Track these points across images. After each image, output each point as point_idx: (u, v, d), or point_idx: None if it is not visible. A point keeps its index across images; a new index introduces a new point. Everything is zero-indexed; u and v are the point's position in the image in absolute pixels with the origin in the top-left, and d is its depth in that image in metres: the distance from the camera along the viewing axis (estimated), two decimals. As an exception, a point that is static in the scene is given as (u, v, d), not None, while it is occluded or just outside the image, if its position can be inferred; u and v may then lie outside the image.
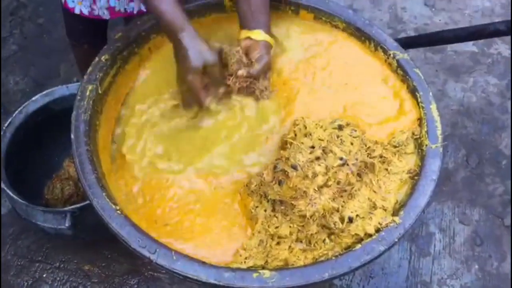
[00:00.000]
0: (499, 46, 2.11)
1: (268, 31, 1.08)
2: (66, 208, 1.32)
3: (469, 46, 2.10)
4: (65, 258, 1.57)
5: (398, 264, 1.57)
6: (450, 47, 2.08)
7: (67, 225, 1.30)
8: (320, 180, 0.93)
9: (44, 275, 1.55)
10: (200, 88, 0.99)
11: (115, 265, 1.56)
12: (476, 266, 1.56)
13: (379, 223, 0.94)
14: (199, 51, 0.97)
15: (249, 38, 1.07)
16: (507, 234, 1.63)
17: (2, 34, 2.08)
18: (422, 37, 1.73)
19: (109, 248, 1.58)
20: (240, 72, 1.03)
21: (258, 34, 1.07)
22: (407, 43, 1.76)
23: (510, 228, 1.63)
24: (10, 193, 1.33)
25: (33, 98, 1.49)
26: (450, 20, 2.19)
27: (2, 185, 1.35)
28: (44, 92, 1.50)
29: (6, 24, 2.12)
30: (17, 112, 1.47)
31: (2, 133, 1.43)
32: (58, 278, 1.54)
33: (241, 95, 1.06)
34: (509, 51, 2.09)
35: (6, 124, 1.45)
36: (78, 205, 1.32)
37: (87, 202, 1.34)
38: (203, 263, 0.87)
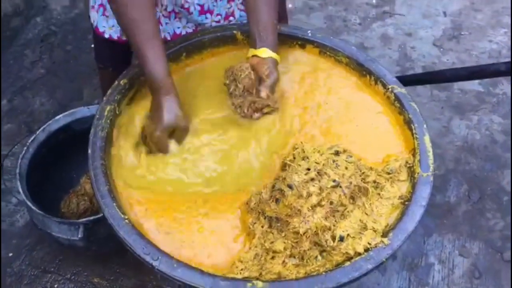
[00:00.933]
0: (504, 86, 2.18)
1: (275, 50, 1.17)
2: (80, 220, 1.41)
3: (475, 86, 2.17)
4: (76, 270, 1.65)
5: (397, 292, 1.61)
6: (457, 86, 2.15)
7: (80, 236, 1.38)
8: (314, 199, 0.99)
9: (56, 286, 1.62)
10: (165, 143, 1.08)
11: (123, 279, 1.63)
12: (474, 299, 1.59)
13: (368, 243, 0.99)
14: (175, 115, 1.07)
15: (256, 56, 1.15)
16: (506, 269, 1.65)
17: (32, 58, 2.23)
18: (426, 75, 1.81)
19: (118, 263, 1.65)
20: (263, 94, 1.12)
21: (264, 52, 1.15)
22: (411, 80, 1.84)
23: (510, 263, 1.65)
24: (29, 203, 1.42)
25: (56, 118, 1.60)
26: (457, 60, 2.27)
27: (23, 197, 1.44)
28: (66, 112, 1.61)
29: (37, 49, 2.27)
30: (40, 130, 1.57)
31: (25, 149, 1.54)
32: (68, 290, 1.62)
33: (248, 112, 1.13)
34: (514, 92, 2.16)
35: (29, 141, 1.56)
36: (91, 218, 1.40)
37: (100, 215, 1.44)
38: (202, 271, 0.94)
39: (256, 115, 1.13)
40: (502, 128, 2.02)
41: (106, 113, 1.15)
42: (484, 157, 1.93)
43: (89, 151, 1.10)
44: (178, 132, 1.11)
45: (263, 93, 1.13)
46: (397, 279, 1.63)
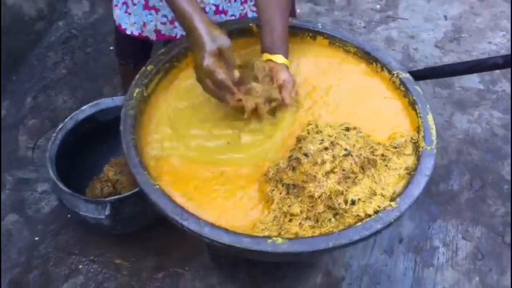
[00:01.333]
0: (503, 84, 2.28)
1: (287, 57, 1.26)
2: (106, 199, 1.51)
3: (475, 84, 2.28)
4: (99, 252, 1.74)
5: (404, 273, 1.69)
6: (458, 84, 2.27)
7: (106, 213, 1.48)
8: (328, 166, 1.09)
9: (80, 267, 1.71)
10: (221, 68, 1.08)
11: (143, 261, 1.72)
12: (477, 278, 1.67)
13: (378, 206, 1.08)
14: (213, 36, 1.08)
15: (271, 60, 1.23)
16: (508, 251, 1.74)
17: (54, 60, 2.36)
18: (427, 71, 1.92)
19: (139, 246, 1.75)
20: (287, 100, 1.21)
21: (279, 58, 1.23)
22: (413, 76, 1.95)
23: (511, 245, 1.74)
24: (59, 183, 1.52)
25: (82, 108, 1.71)
26: (458, 60, 2.38)
27: (52, 178, 1.54)
28: (91, 103, 1.72)
29: (59, 51, 2.40)
30: (68, 118, 1.68)
31: (54, 135, 1.64)
32: (92, 270, 1.71)
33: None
34: (513, 88, 2.27)
35: (58, 129, 1.67)
36: (117, 196, 1.50)
37: (126, 194, 1.54)
38: (226, 229, 1.03)
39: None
40: (502, 122, 2.13)
41: (135, 95, 1.25)
42: (485, 149, 2.03)
43: (121, 127, 1.20)
44: (226, 54, 1.11)
45: (287, 100, 1.21)
46: (403, 261, 1.72)
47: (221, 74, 1.09)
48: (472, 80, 2.29)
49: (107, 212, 1.48)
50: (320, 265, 1.71)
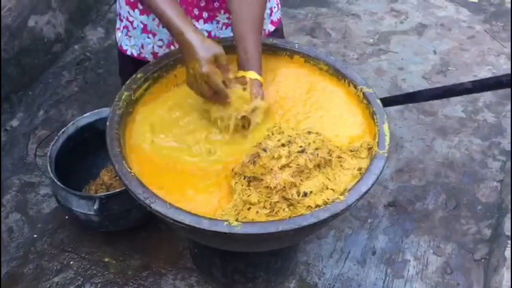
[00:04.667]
0: (485, 114, 2.39)
1: (260, 74, 1.36)
2: (96, 195, 1.65)
3: (458, 112, 2.40)
4: (90, 250, 1.88)
5: (374, 283, 1.77)
6: (441, 112, 2.38)
7: (95, 208, 1.62)
8: (283, 161, 1.22)
9: (71, 263, 1.85)
10: (217, 73, 1.21)
11: (130, 260, 1.85)
12: (444, 291, 1.74)
13: (327, 198, 1.21)
14: (206, 45, 1.20)
15: (244, 77, 1.36)
16: (477, 267, 1.80)
17: (68, 78, 2.57)
18: (406, 95, 2.06)
19: (127, 246, 1.88)
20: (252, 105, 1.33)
21: (252, 74, 1.36)
22: (393, 101, 2.09)
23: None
24: (56, 180, 1.68)
25: (84, 115, 1.89)
26: (444, 91, 2.51)
27: (51, 176, 1.70)
28: (94, 111, 1.90)
29: (73, 71, 2.62)
30: (70, 124, 1.86)
31: (56, 138, 1.81)
32: (82, 266, 1.83)
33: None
34: (494, 119, 2.37)
35: (60, 132, 1.84)
36: (105, 193, 1.65)
37: (113, 191, 1.68)
38: (189, 212, 1.15)
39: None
40: (480, 148, 2.23)
41: (123, 97, 1.41)
42: (462, 172, 2.13)
43: (107, 123, 1.36)
44: (220, 60, 1.23)
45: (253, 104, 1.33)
46: (375, 271, 1.80)
47: (217, 78, 1.23)
48: (455, 109, 2.40)
49: (96, 206, 1.62)
50: (294, 272, 1.80)
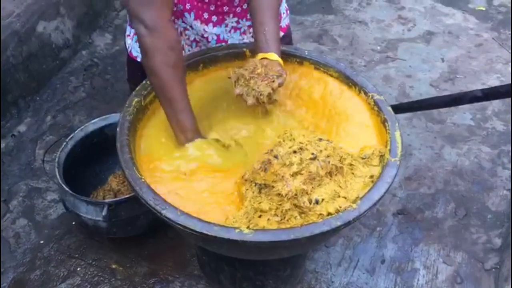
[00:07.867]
0: (494, 122, 2.38)
1: (279, 56, 1.39)
2: (105, 201, 1.64)
3: (467, 120, 2.38)
4: (97, 257, 1.86)
5: (383, 292, 1.76)
6: (450, 120, 2.37)
7: (104, 214, 1.61)
8: (295, 168, 1.21)
9: (78, 269, 1.83)
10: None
11: (137, 267, 1.83)
12: (455, 301, 1.72)
13: (339, 206, 1.19)
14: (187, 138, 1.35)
15: (265, 58, 1.37)
16: (487, 276, 1.78)
17: (75, 84, 2.58)
18: (416, 103, 2.05)
19: (134, 253, 1.86)
20: (278, 83, 1.33)
21: (273, 55, 1.37)
22: (403, 108, 2.08)
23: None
24: (63, 185, 1.67)
25: (93, 121, 1.89)
26: (452, 99, 2.50)
27: (59, 181, 1.70)
28: (102, 117, 1.89)
29: (80, 76, 2.62)
30: (78, 129, 1.86)
31: (64, 144, 1.81)
32: (88, 273, 1.82)
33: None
34: (503, 127, 2.35)
35: (68, 138, 1.84)
36: (114, 199, 1.64)
37: (122, 197, 1.67)
38: (200, 219, 1.15)
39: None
40: (489, 157, 2.21)
41: (134, 103, 1.42)
42: (471, 180, 2.11)
43: (118, 129, 1.36)
44: None
45: (276, 83, 1.33)
46: (384, 280, 1.78)
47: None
48: (464, 117, 2.39)
49: (104, 213, 1.61)
50: (303, 280, 1.78)
